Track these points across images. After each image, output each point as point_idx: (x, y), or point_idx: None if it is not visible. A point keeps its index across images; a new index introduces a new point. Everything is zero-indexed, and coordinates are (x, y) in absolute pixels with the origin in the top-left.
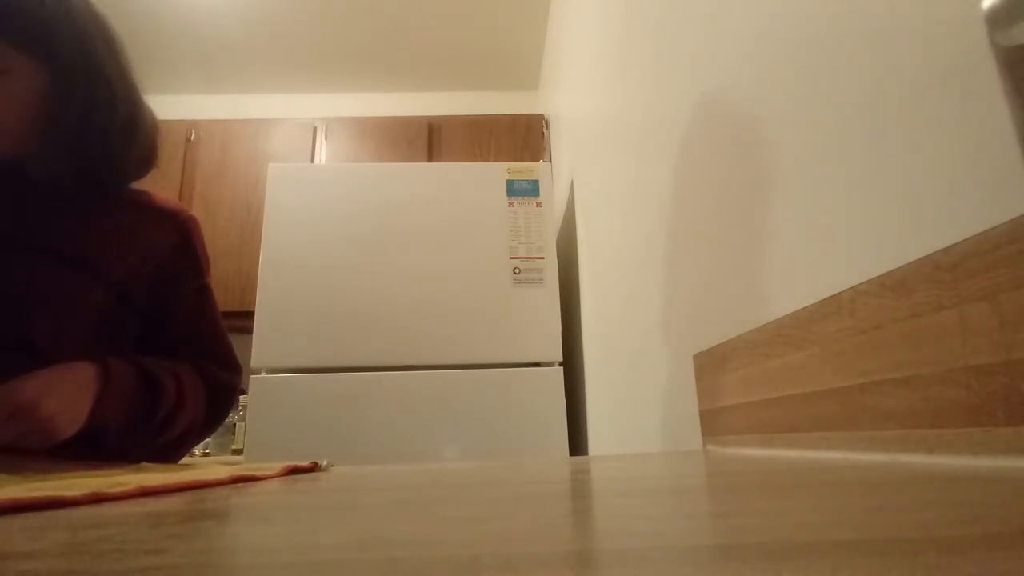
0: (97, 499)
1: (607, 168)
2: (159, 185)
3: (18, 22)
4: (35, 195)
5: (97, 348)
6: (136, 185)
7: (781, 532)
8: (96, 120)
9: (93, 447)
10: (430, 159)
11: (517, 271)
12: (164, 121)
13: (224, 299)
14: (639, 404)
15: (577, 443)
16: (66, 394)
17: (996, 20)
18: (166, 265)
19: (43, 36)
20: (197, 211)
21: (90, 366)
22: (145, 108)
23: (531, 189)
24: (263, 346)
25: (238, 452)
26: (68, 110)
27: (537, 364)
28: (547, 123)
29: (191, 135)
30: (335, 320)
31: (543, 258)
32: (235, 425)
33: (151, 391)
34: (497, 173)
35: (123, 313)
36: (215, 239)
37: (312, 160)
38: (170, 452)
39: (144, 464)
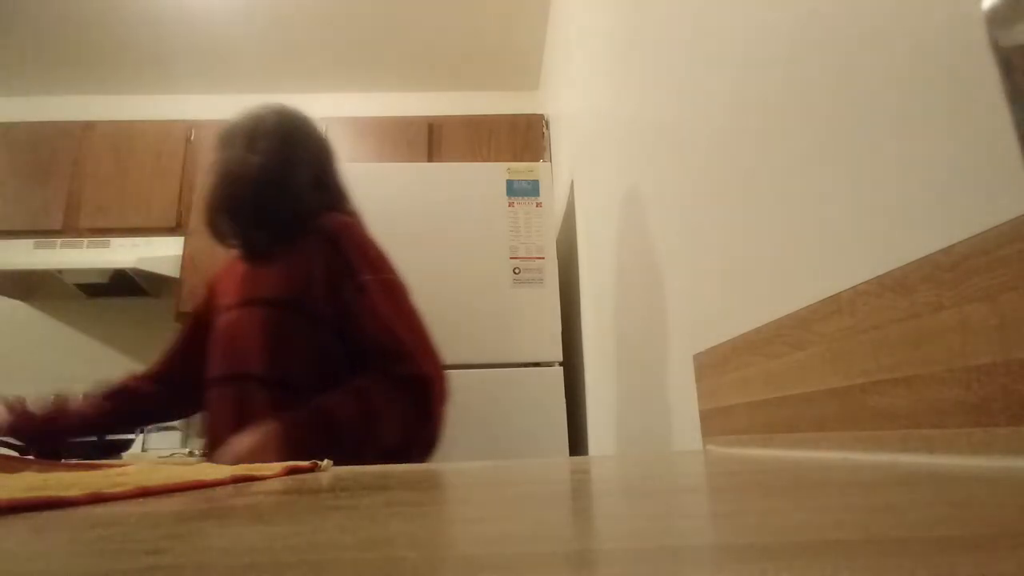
0: (97, 499)
1: (607, 168)
2: (159, 185)
3: (220, 136)
4: (255, 262)
5: (306, 368)
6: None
7: (781, 532)
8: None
9: None
10: (430, 159)
11: (517, 271)
12: (164, 121)
13: None
14: (639, 404)
15: (577, 443)
16: (263, 454)
17: (996, 20)
18: (326, 276)
19: (223, 141)
20: (197, 211)
21: (274, 425)
22: (295, 176)
23: (531, 189)
24: None
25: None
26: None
27: (537, 364)
28: (547, 123)
29: (191, 135)
30: None
31: (543, 258)
32: None
33: (328, 429)
34: (497, 173)
35: (319, 330)
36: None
37: None
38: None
39: (144, 463)
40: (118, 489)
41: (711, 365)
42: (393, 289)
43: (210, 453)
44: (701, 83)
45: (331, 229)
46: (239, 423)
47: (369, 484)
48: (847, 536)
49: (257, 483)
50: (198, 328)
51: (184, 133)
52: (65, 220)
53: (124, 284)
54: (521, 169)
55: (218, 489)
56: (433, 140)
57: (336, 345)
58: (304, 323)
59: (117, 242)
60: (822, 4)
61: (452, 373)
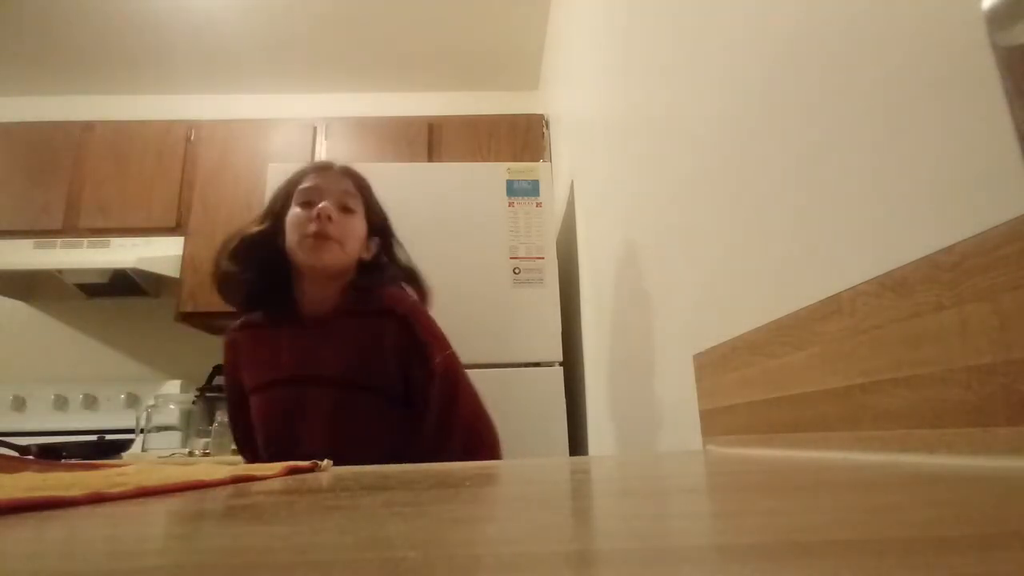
0: (97, 499)
1: (607, 168)
2: (159, 185)
3: (361, 180)
4: (312, 335)
5: (373, 444)
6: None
7: (781, 532)
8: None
9: None
10: (430, 159)
11: (517, 271)
12: (164, 121)
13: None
14: (639, 404)
15: (577, 443)
16: None
17: (996, 20)
18: (399, 356)
19: (368, 191)
20: (197, 211)
21: None
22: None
23: (531, 189)
24: None
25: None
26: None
27: (537, 364)
28: (547, 123)
29: (191, 135)
30: None
31: (543, 258)
32: None
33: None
34: (497, 173)
35: (387, 406)
36: (215, 239)
37: (312, 160)
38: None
39: (144, 463)
40: (118, 489)
41: (711, 365)
42: (459, 365)
43: None
44: (701, 82)
45: (403, 310)
46: None
47: (369, 484)
48: (847, 536)
49: (257, 483)
50: (241, 407)
51: (184, 133)
52: (65, 220)
53: (124, 284)
54: (521, 169)
55: (218, 489)
56: (433, 140)
57: (402, 419)
58: (373, 401)
59: (117, 242)
60: (821, 5)
61: None
